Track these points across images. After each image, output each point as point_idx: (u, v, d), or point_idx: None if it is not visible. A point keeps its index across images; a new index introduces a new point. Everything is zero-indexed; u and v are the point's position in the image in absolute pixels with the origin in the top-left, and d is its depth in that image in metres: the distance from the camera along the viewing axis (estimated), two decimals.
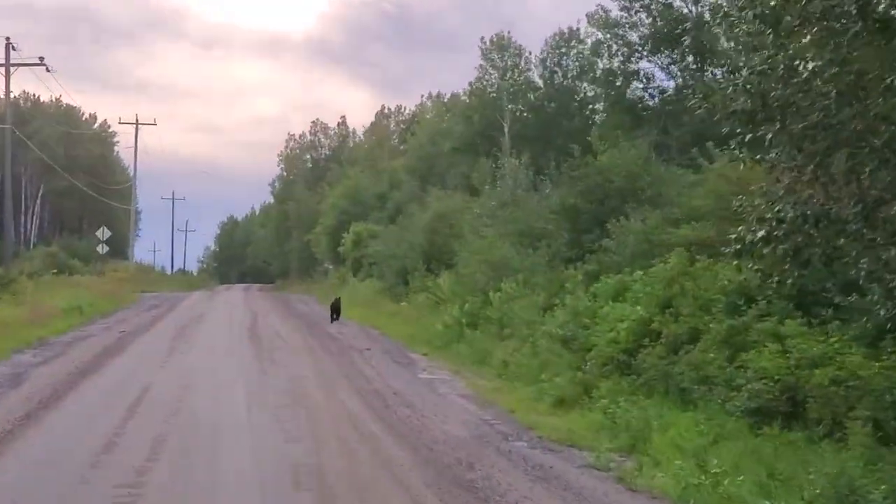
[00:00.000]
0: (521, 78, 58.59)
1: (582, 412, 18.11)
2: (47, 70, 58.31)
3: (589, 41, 48.76)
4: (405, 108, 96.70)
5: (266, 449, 14.87)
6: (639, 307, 20.08)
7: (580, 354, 20.72)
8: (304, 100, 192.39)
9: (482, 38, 59.91)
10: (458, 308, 30.69)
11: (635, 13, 41.56)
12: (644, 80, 42.67)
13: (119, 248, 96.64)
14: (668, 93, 41.51)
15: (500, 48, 58.52)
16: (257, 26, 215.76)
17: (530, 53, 58.89)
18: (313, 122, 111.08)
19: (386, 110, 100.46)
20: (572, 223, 29.19)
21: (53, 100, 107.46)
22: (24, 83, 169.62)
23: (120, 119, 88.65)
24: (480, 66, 59.19)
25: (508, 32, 59.74)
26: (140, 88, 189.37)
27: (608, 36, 43.15)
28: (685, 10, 40.44)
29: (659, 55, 41.53)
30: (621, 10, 41.92)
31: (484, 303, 29.52)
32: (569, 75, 56.72)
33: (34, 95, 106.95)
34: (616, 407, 17.14)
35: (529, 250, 29.77)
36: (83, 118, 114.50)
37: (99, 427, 16.22)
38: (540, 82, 58.18)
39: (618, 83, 42.66)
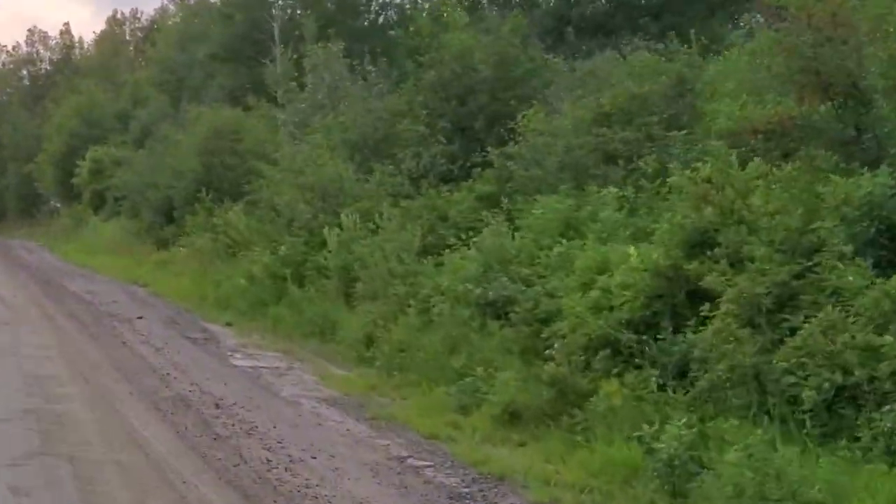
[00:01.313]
0: None
1: (574, 439, 11.45)
2: None
3: None
4: (142, 14, 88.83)
5: None
6: (632, 247, 13.42)
7: (528, 329, 14.07)
8: (13, 16, 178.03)
9: None
10: (269, 254, 23.15)
11: None
12: None
13: None
14: None
15: None
16: None
17: None
18: (30, 30, 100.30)
19: (119, 15, 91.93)
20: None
21: None
22: None
23: None
24: None
25: None
26: None
27: None
28: None
29: None
30: None
31: (309, 245, 22.37)
32: None
33: None
34: (663, 435, 10.14)
35: (376, 165, 22.57)
36: None
37: None
38: None
39: None
